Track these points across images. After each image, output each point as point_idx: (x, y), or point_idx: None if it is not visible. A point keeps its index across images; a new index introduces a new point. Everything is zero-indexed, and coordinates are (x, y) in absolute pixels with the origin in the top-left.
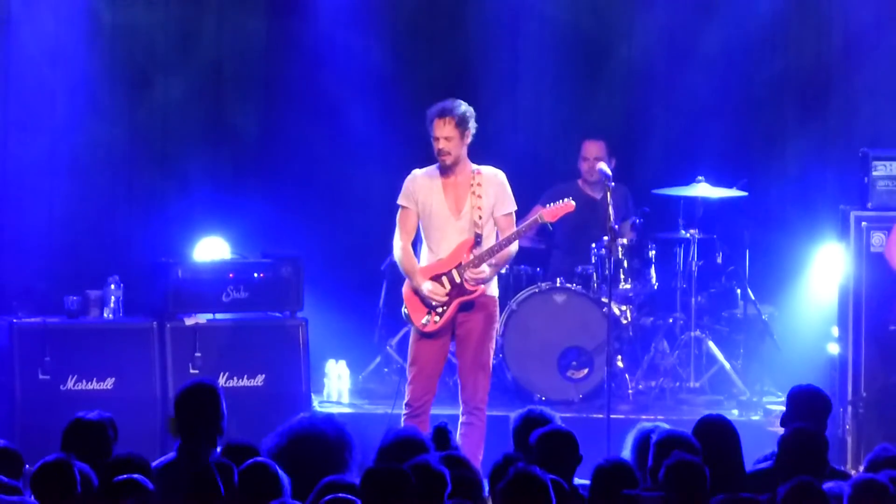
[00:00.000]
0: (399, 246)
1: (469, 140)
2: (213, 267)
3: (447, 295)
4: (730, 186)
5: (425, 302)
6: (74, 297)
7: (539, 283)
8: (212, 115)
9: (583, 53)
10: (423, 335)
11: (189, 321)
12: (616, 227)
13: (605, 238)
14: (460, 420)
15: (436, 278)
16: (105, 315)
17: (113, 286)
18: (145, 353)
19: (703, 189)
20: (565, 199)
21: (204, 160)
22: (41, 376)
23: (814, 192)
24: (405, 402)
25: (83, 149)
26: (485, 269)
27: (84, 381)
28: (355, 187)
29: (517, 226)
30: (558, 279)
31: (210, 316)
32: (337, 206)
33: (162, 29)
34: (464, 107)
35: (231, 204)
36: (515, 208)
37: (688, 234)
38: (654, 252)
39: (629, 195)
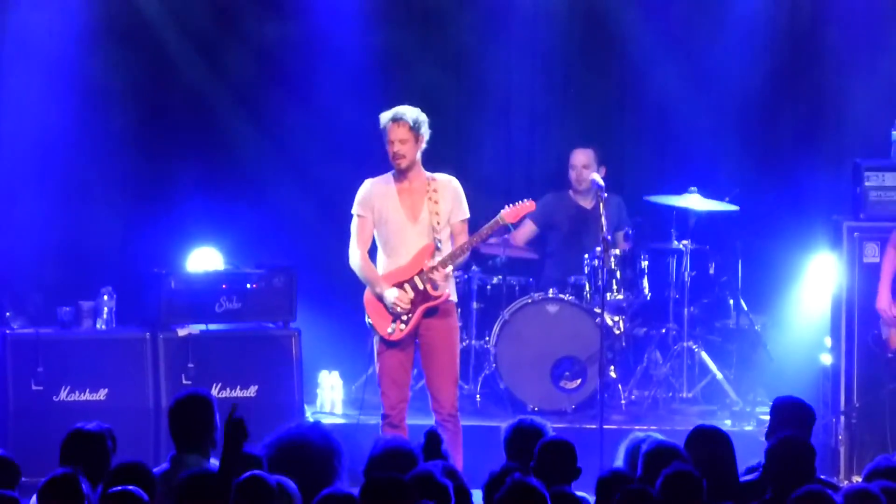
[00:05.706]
0: (357, 255)
1: (423, 146)
2: (207, 277)
3: (411, 302)
4: (721, 198)
5: (389, 310)
6: (67, 308)
7: (532, 294)
8: (204, 125)
9: (576, 61)
10: (389, 344)
11: (182, 332)
12: (609, 237)
13: (598, 248)
14: None
15: (398, 286)
16: (98, 326)
17: (106, 297)
18: (138, 364)
19: (694, 201)
20: (526, 200)
21: (197, 170)
22: (34, 387)
23: (806, 203)
24: (382, 412)
25: (75, 160)
26: (450, 270)
27: (77, 392)
28: (349, 197)
29: (470, 233)
30: (551, 289)
31: (203, 326)
32: (330, 216)
33: (154, 39)
34: (417, 112)
35: (224, 214)
36: (469, 216)
37: (680, 245)
38: (646, 262)
39: (622, 205)
